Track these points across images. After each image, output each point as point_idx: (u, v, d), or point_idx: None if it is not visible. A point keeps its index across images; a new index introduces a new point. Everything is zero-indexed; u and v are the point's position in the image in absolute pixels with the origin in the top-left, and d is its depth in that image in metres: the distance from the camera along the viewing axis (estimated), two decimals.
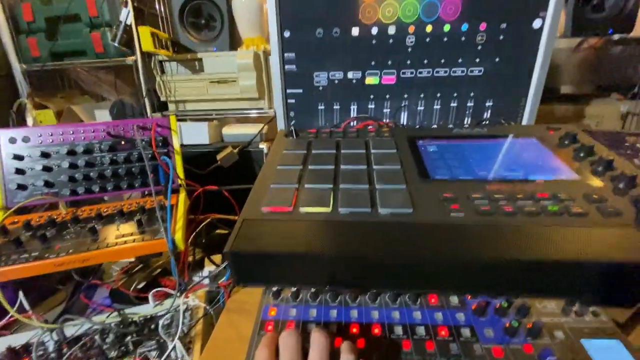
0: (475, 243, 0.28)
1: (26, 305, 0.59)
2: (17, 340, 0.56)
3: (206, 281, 0.67)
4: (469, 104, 0.64)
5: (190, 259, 0.77)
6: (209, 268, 0.77)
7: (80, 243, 0.60)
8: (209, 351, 0.47)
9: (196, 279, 0.71)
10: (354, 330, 0.41)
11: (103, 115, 1.18)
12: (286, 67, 0.63)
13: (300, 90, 0.65)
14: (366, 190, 0.35)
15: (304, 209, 0.33)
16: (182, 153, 1.04)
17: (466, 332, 0.41)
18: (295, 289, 0.46)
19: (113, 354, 0.52)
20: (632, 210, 0.31)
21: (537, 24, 0.58)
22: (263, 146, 1.03)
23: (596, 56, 1.03)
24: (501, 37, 0.60)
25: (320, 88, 0.65)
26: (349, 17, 0.59)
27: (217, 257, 0.78)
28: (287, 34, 0.61)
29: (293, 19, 0.60)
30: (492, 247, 0.28)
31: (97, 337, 0.54)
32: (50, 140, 0.69)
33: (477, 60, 0.61)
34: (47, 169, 0.68)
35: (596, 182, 0.35)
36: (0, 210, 0.65)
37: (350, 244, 0.29)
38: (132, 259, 0.80)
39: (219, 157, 0.98)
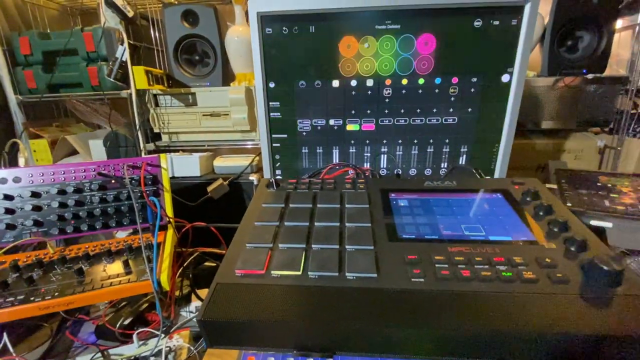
0: (432, 311, 0.30)
1: (10, 349, 0.59)
2: None
3: (192, 322, 0.67)
4: (445, 149, 0.67)
5: (177, 293, 0.77)
6: (195, 303, 0.78)
7: (66, 285, 0.60)
8: None
9: (184, 313, 0.71)
10: None
11: (97, 145, 1.20)
12: (271, 114, 0.67)
13: (285, 135, 0.68)
14: (336, 252, 0.37)
15: (275, 272, 0.35)
16: (173, 185, 1.06)
17: None
18: None
19: None
20: (579, 276, 0.33)
21: (505, 78, 0.63)
22: (253, 177, 1.06)
23: (573, 93, 1.08)
24: (472, 90, 0.64)
25: (304, 133, 0.68)
26: (330, 71, 0.64)
27: (203, 292, 0.79)
28: (271, 84, 0.65)
29: (277, 72, 0.64)
30: (445, 316, 0.30)
31: None
32: (41, 180, 0.71)
33: (451, 110, 0.65)
34: (37, 208, 0.69)
35: (550, 245, 0.38)
36: None
37: (316, 311, 0.31)
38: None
39: (209, 189, 1.00)
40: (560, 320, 0.29)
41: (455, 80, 0.63)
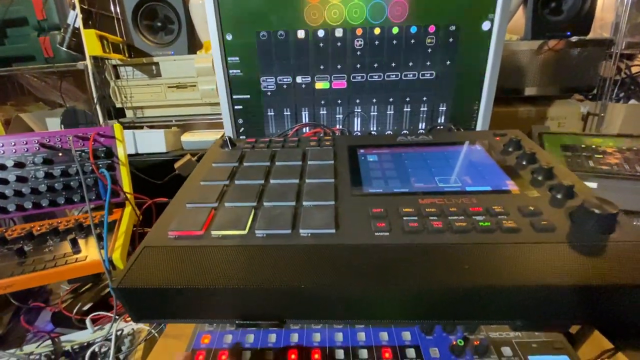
0: (399, 267, 0.26)
1: None
2: None
3: None
4: (423, 108, 0.62)
5: None
6: None
7: (4, 267, 0.54)
8: None
9: None
10: (292, 356, 0.38)
11: (55, 123, 1.10)
12: (230, 72, 0.60)
13: (248, 96, 0.61)
14: (291, 209, 0.32)
15: (216, 232, 0.30)
16: (138, 162, 0.99)
17: (411, 352, 0.39)
18: None
19: None
20: (567, 224, 0.29)
21: (486, 26, 0.57)
22: None
23: (557, 58, 1.04)
24: (451, 40, 0.58)
25: (269, 93, 0.61)
26: (294, 18, 0.56)
27: None
28: (229, 37, 0.57)
29: (234, 21, 0.56)
30: (412, 272, 0.25)
31: None
32: None
33: (428, 63, 0.59)
34: None
35: (533, 193, 0.33)
36: None
37: (260, 273, 0.26)
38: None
39: (176, 165, 0.93)
40: (547, 270, 0.25)
41: (432, 29, 0.57)
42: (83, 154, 0.68)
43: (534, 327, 0.29)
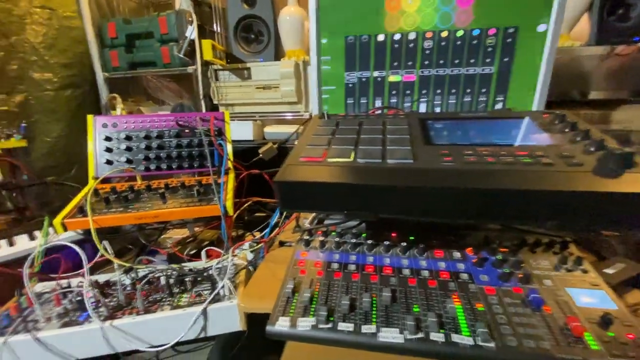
0: (458, 177, 0.38)
1: (110, 250, 0.74)
2: (101, 278, 0.70)
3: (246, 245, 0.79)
4: (481, 98, 0.72)
5: (233, 234, 0.90)
6: (249, 242, 0.90)
7: (153, 204, 0.74)
8: (251, 286, 0.58)
9: (237, 251, 0.83)
10: (369, 269, 0.51)
11: None
12: (322, 67, 0.76)
13: (334, 87, 0.78)
14: (379, 150, 0.46)
15: (330, 159, 0.44)
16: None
17: (464, 276, 0.49)
18: (322, 239, 0.57)
19: (175, 290, 0.64)
20: (594, 163, 0.39)
21: (541, 28, 0.66)
22: None
23: (623, 63, 1.06)
24: (509, 40, 0.68)
25: (350, 85, 0.77)
26: (376, 25, 0.72)
27: (257, 234, 0.91)
28: (324, 40, 0.74)
29: (329, 28, 0.73)
30: (472, 181, 0.37)
31: (162, 278, 0.67)
32: (133, 127, 0.87)
33: (488, 60, 0.70)
34: (128, 149, 0.85)
35: (570, 147, 0.43)
36: (92, 179, 0.83)
37: (363, 178, 0.39)
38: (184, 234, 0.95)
39: (260, 150, 1.12)
40: (574, 182, 0.35)
41: (492, 31, 0.68)
42: (204, 130, 0.88)
43: (563, 227, 0.38)
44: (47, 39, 1.29)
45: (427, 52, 0.72)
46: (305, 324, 0.43)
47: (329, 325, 0.42)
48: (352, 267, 0.51)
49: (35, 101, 1.27)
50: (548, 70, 0.67)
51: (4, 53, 1.16)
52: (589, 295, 0.45)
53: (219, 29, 1.42)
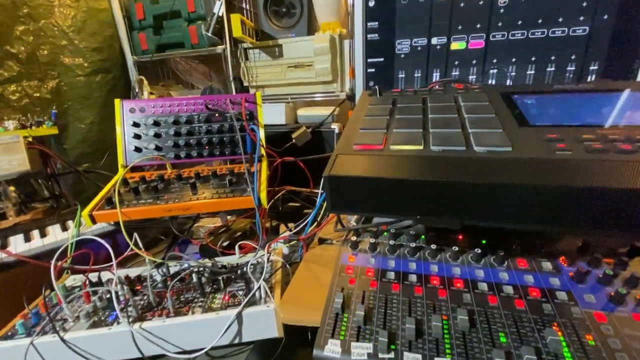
0: (584, 174, 0.27)
1: (140, 244, 0.69)
2: (131, 273, 0.66)
3: (282, 242, 0.72)
4: (570, 67, 0.58)
5: (267, 225, 0.83)
6: (284, 233, 0.83)
7: (183, 195, 0.69)
8: (291, 290, 0.50)
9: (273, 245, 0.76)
10: (435, 282, 0.41)
11: None
12: (368, 36, 0.65)
13: (382, 59, 0.66)
14: (459, 133, 0.35)
15: (394, 147, 0.34)
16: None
17: (562, 295, 0.39)
18: (373, 240, 0.48)
19: (207, 289, 0.59)
20: None
21: None
22: (334, 126, 1.07)
23: None
24: None
25: (402, 56, 0.65)
26: None
27: (291, 225, 0.84)
28: (371, 3, 0.62)
29: None
30: (613, 178, 0.26)
31: (194, 275, 0.62)
32: (161, 111, 0.81)
33: (582, 18, 0.55)
34: (157, 135, 0.79)
35: None
36: (121, 167, 0.78)
37: (444, 173, 0.29)
38: (217, 223, 0.90)
39: (294, 135, 1.04)
40: None
41: None
42: (236, 114, 0.81)
43: None
44: (76, 22, 1.25)
45: (502, 10, 0.58)
46: (360, 351, 0.35)
47: (391, 356, 0.34)
48: (413, 277, 0.42)
49: (67, 87, 1.25)
50: None
51: (34, 38, 1.14)
52: None
53: (247, 5, 1.33)
